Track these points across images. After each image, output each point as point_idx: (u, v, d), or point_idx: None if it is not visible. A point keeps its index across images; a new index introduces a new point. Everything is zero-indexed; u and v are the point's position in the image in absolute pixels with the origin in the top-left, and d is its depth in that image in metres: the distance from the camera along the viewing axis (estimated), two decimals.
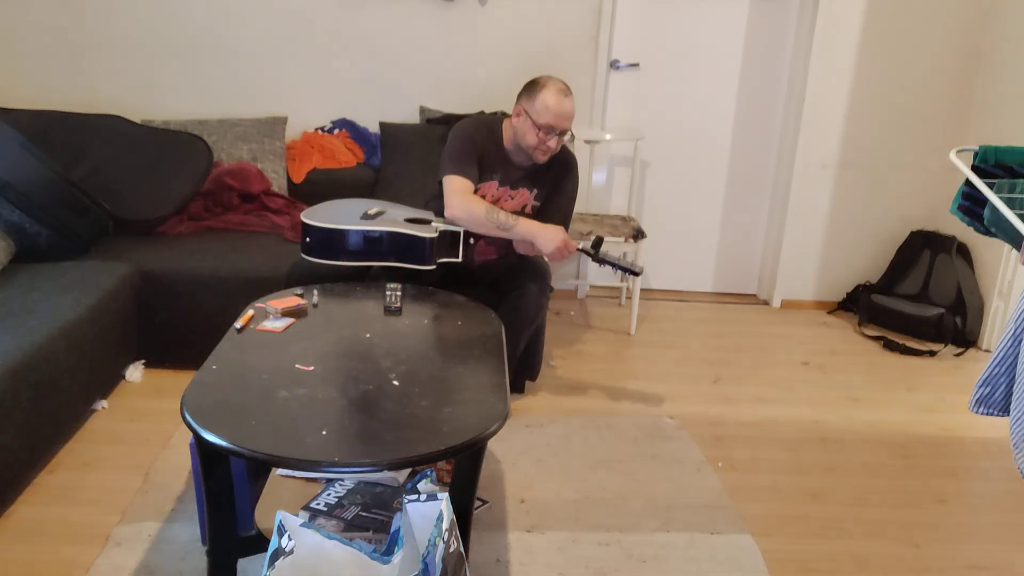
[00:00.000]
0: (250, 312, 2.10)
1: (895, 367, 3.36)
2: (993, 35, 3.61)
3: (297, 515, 1.66)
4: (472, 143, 2.58)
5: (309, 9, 3.52)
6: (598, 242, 2.52)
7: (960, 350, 3.56)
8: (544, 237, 2.48)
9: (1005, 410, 1.69)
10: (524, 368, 2.83)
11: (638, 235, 3.40)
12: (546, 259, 2.57)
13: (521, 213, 2.62)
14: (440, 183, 2.58)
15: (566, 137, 2.58)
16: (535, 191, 2.67)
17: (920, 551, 2.15)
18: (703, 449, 2.60)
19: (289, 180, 3.50)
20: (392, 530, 1.49)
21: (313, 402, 1.64)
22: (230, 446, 1.47)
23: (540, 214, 2.67)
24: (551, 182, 2.70)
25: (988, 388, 1.68)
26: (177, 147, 3.26)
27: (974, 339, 3.62)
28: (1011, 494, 2.44)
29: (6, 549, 1.96)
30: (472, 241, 2.55)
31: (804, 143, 3.77)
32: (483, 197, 2.59)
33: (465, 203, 2.47)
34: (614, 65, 3.76)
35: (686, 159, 3.92)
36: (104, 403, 2.66)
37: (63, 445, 2.42)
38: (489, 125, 2.65)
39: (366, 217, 2.54)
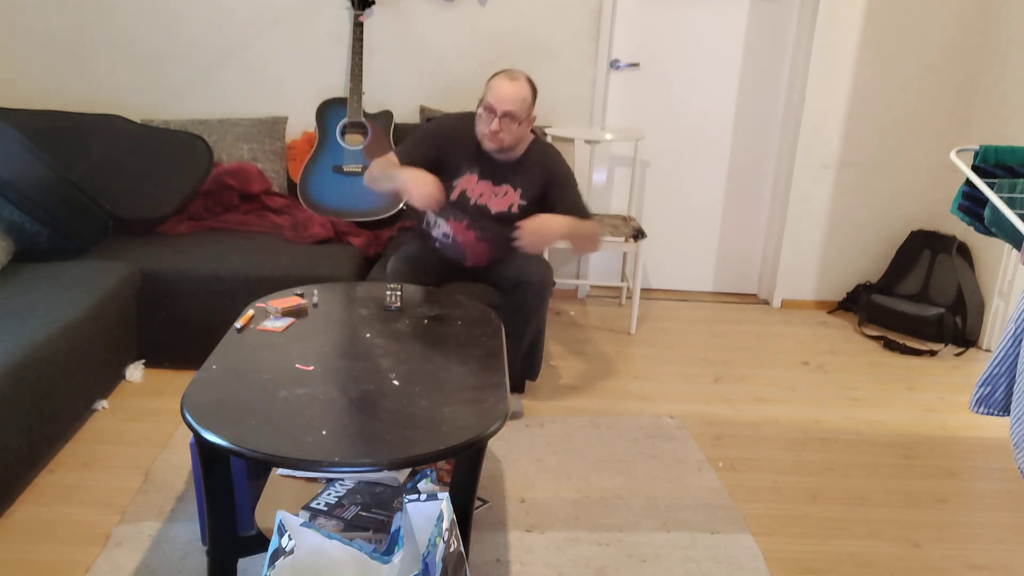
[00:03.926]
0: (250, 312, 2.10)
1: (895, 367, 3.36)
2: (993, 35, 3.61)
3: (297, 515, 1.66)
4: (433, 137, 2.63)
5: (309, 9, 3.52)
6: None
7: (960, 350, 3.56)
8: (410, 185, 2.39)
9: (1005, 410, 1.69)
10: (524, 368, 2.83)
11: (638, 235, 3.40)
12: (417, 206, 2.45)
13: (508, 213, 2.61)
14: None
15: (514, 126, 2.51)
16: (519, 191, 2.62)
17: (920, 551, 2.15)
18: (703, 449, 2.60)
19: (289, 180, 3.50)
20: (392, 530, 1.49)
21: (313, 402, 1.64)
22: (230, 446, 1.47)
23: (558, 210, 2.58)
24: (536, 178, 2.63)
25: (988, 388, 1.68)
26: (177, 147, 3.26)
27: (974, 339, 3.62)
28: (1011, 494, 2.44)
29: (6, 549, 1.96)
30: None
31: (804, 143, 3.77)
32: (464, 191, 2.61)
33: (371, 167, 2.57)
34: (614, 65, 3.76)
35: (686, 159, 3.92)
36: (104, 403, 2.66)
37: (63, 445, 2.43)
38: (467, 121, 2.62)
39: None
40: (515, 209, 2.62)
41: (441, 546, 1.35)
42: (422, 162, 2.53)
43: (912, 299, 3.73)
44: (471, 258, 2.69)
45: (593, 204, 3.90)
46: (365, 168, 3.35)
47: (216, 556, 1.75)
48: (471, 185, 2.62)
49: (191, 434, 1.78)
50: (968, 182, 1.74)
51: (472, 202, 2.62)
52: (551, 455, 2.50)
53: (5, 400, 2.00)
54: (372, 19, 3.55)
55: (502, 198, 2.62)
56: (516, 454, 2.50)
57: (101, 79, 3.56)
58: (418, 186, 2.38)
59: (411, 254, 2.65)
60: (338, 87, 3.61)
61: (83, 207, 2.81)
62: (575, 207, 2.60)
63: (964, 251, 3.69)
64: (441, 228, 2.69)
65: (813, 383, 3.16)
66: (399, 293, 2.19)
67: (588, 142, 3.71)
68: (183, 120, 3.45)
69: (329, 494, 1.78)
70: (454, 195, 2.62)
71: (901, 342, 3.55)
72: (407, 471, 1.86)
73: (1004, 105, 3.53)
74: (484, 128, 2.52)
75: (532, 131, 2.66)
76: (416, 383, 1.74)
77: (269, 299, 2.19)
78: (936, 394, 3.12)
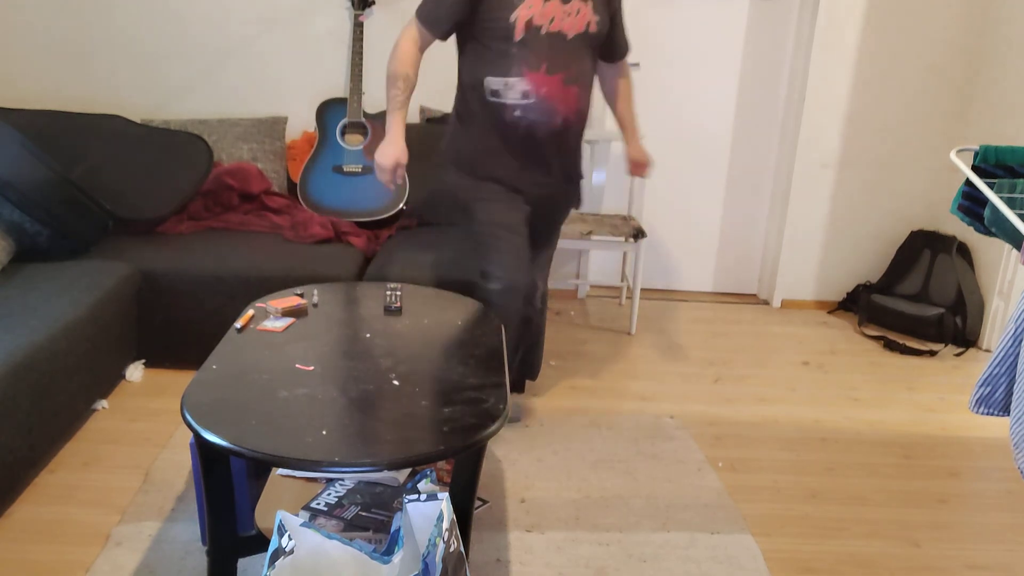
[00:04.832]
0: (250, 312, 2.09)
1: (895, 367, 3.36)
2: (993, 35, 3.61)
3: (297, 515, 1.66)
4: None
5: (309, 9, 3.52)
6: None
7: (960, 350, 3.56)
8: (384, 150, 2.20)
9: (1005, 410, 1.69)
10: (524, 368, 2.83)
11: (638, 235, 3.40)
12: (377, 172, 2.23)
13: (586, 34, 2.16)
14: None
15: None
16: (590, 2, 2.15)
17: (920, 551, 2.15)
18: (703, 449, 2.60)
19: (289, 180, 3.50)
20: (392, 530, 1.49)
21: (313, 402, 1.64)
22: (230, 446, 1.47)
23: (610, 40, 2.28)
24: None
25: (988, 388, 1.68)
26: (177, 147, 3.26)
27: (974, 339, 3.62)
28: (1011, 494, 2.44)
29: (6, 549, 1.96)
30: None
31: (804, 143, 3.77)
32: (531, 20, 2.08)
33: (393, 53, 2.20)
34: None
35: (686, 159, 3.92)
36: (104, 403, 2.66)
37: (63, 445, 2.43)
38: None
39: None
40: (593, 28, 2.16)
41: (441, 546, 1.35)
42: (459, 15, 2.09)
43: (912, 299, 3.73)
44: (562, 112, 2.18)
45: (593, 204, 3.90)
46: (365, 168, 3.35)
47: (216, 556, 1.75)
48: (537, 9, 2.07)
49: (191, 434, 1.78)
50: (968, 182, 1.74)
51: (544, 31, 2.09)
52: (551, 455, 2.50)
53: (5, 400, 2.00)
54: (372, 19, 3.55)
55: (576, 16, 2.11)
56: (516, 454, 2.50)
57: (101, 79, 3.56)
58: (386, 158, 2.18)
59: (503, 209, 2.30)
60: (338, 87, 3.61)
61: (83, 207, 2.81)
62: (623, 30, 2.31)
63: (964, 251, 3.69)
64: (516, 89, 2.14)
65: (813, 383, 3.16)
66: (399, 293, 2.20)
67: (588, 142, 3.71)
68: (183, 120, 3.45)
69: (329, 494, 1.78)
70: (518, 32, 2.08)
71: (901, 342, 3.55)
72: (407, 471, 1.86)
73: (1004, 105, 3.53)
74: None
75: None
76: (416, 383, 1.74)
77: (269, 299, 2.19)
78: (936, 394, 3.12)
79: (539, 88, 2.12)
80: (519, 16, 2.06)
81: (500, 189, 2.27)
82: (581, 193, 2.49)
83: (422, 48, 2.18)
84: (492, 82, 2.14)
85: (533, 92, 2.12)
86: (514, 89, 2.13)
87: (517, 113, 2.16)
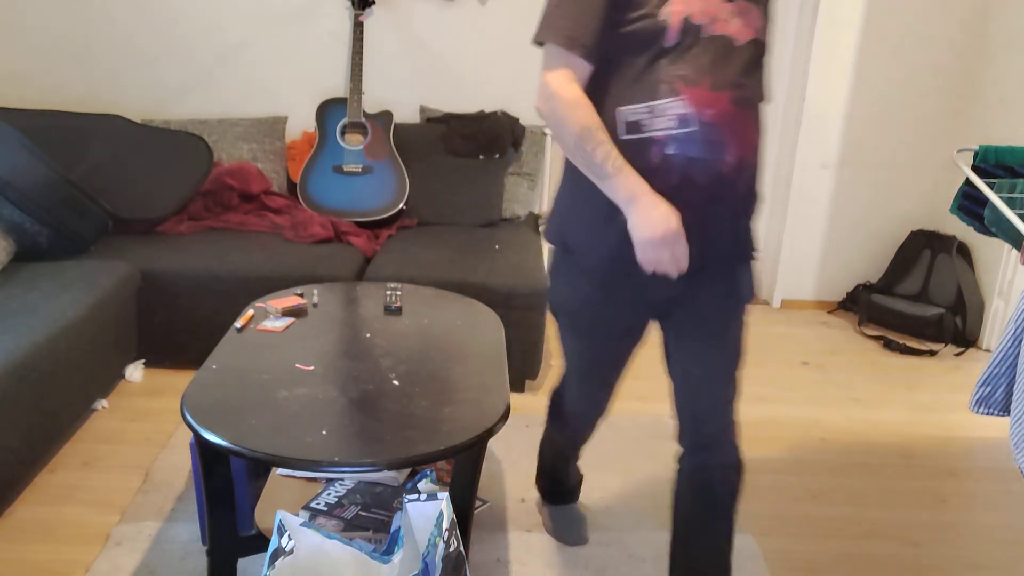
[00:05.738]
0: (250, 312, 2.10)
1: (895, 367, 3.36)
2: (993, 35, 3.61)
3: (297, 515, 1.66)
4: None
5: (309, 9, 3.52)
6: None
7: (960, 350, 3.56)
8: (647, 217, 1.40)
9: (1005, 410, 1.69)
10: (523, 367, 2.83)
11: None
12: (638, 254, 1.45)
13: (756, 41, 1.49)
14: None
15: None
16: (761, 6, 1.50)
17: (920, 551, 2.15)
18: None
19: (289, 180, 3.50)
20: (392, 530, 1.49)
21: (313, 402, 1.64)
22: (230, 446, 1.47)
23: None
24: None
25: (989, 388, 1.68)
26: (177, 147, 3.26)
27: (974, 339, 3.62)
28: (1011, 494, 2.44)
29: (6, 549, 1.96)
30: None
31: (804, 143, 3.77)
32: (687, 19, 1.42)
33: (560, 108, 1.44)
34: None
35: None
36: (104, 403, 2.67)
37: (63, 445, 2.43)
38: None
39: None
40: (764, 36, 1.51)
41: (441, 546, 1.36)
42: (602, 16, 1.44)
43: (912, 299, 3.73)
44: (735, 146, 1.47)
45: None
46: (365, 168, 3.35)
47: (216, 556, 1.75)
48: (696, 4, 1.44)
49: (191, 434, 1.78)
50: (968, 182, 1.74)
51: (705, 33, 1.45)
52: None
53: (5, 400, 2.00)
54: (372, 19, 3.55)
55: (745, 18, 1.47)
56: (516, 454, 2.50)
57: (101, 79, 3.56)
58: (650, 228, 1.40)
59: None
60: (338, 87, 3.61)
61: (83, 207, 2.81)
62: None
63: (964, 251, 3.69)
64: (668, 114, 1.44)
65: (813, 383, 3.16)
66: (399, 293, 2.20)
67: None
68: (183, 120, 3.45)
69: (329, 494, 1.78)
70: (671, 34, 1.43)
71: (901, 342, 3.55)
72: (407, 471, 1.86)
73: (1004, 105, 3.53)
74: None
75: None
76: (416, 383, 1.74)
77: (269, 299, 2.19)
78: (936, 394, 3.11)
79: (702, 110, 1.43)
80: (672, 12, 1.42)
81: (621, 304, 1.61)
82: (753, 277, 1.66)
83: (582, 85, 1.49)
84: (630, 112, 1.46)
85: (695, 116, 1.43)
86: (664, 115, 1.44)
87: (670, 150, 1.44)
